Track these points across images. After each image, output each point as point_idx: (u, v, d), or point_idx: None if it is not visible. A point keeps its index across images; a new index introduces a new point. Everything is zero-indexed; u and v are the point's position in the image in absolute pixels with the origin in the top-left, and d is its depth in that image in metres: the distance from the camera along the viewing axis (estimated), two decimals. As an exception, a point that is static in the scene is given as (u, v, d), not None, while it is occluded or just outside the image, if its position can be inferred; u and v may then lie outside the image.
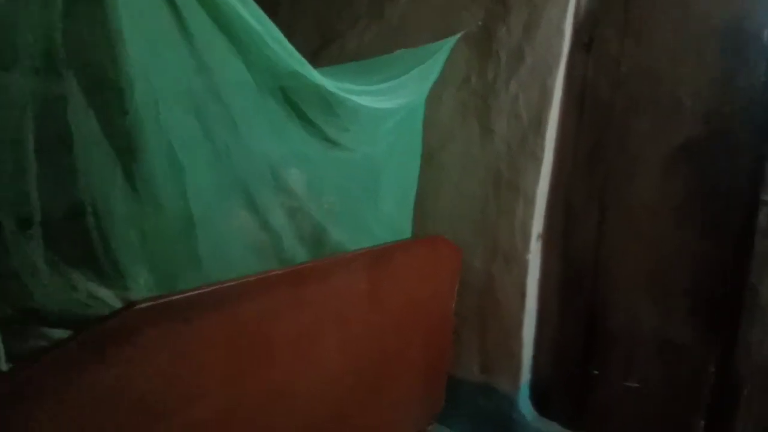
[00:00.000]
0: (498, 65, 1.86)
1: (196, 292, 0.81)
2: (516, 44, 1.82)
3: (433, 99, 1.81)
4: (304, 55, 1.11)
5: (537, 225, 1.83)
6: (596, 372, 1.75)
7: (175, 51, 0.87)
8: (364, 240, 1.41)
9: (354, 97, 1.29)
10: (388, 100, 1.43)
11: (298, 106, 1.17)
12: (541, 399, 1.87)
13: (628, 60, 1.70)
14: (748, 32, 1.50)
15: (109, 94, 0.87)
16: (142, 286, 0.96)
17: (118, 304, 0.98)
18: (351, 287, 1.21)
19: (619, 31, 1.72)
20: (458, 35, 1.77)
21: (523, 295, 1.82)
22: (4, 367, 0.96)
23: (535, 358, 1.88)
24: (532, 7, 1.79)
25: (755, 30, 1.49)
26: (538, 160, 1.80)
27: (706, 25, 1.56)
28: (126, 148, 0.90)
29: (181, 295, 0.79)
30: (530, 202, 1.81)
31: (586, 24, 1.78)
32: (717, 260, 1.56)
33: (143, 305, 0.73)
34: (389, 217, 1.58)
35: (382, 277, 1.30)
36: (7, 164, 1.06)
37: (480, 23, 1.86)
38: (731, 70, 1.53)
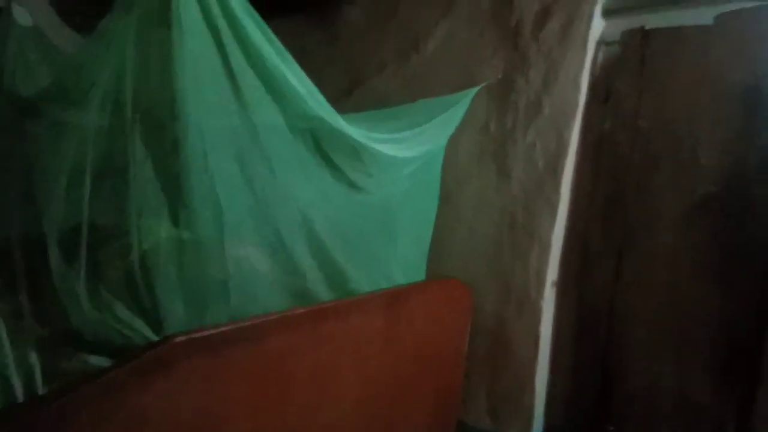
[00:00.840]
0: (516, 114, 1.94)
1: (230, 327, 0.87)
2: (534, 95, 1.90)
3: (453, 141, 1.88)
4: (333, 98, 1.21)
5: (552, 271, 1.84)
6: (612, 429, 1.70)
7: (227, 108, 0.98)
8: (381, 280, 1.46)
9: (376, 145, 1.38)
10: (409, 148, 1.51)
11: (328, 154, 1.27)
12: (553, 452, 1.82)
13: (646, 115, 1.75)
14: (765, 91, 1.55)
15: (164, 142, 0.98)
16: (174, 317, 1.02)
17: (150, 332, 1.04)
18: (368, 326, 1.25)
19: (636, 87, 1.78)
20: (479, 87, 1.86)
21: (536, 342, 1.80)
22: (41, 390, 1.02)
23: (548, 409, 1.84)
24: (550, 61, 1.88)
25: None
26: (553, 207, 1.83)
27: (723, 83, 1.61)
28: (174, 190, 0.99)
29: (216, 330, 0.84)
30: (545, 247, 1.82)
31: (603, 79, 1.85)
32: (736, 316, 1.54)
33: (181, 338, 0.78)
34: (405, 259, 1.63)
35: (397, 317, 1.34)
36: (61, 194, 1.17)
37: (500, 76, 1.96)
38: (749, 128, 1.56)
